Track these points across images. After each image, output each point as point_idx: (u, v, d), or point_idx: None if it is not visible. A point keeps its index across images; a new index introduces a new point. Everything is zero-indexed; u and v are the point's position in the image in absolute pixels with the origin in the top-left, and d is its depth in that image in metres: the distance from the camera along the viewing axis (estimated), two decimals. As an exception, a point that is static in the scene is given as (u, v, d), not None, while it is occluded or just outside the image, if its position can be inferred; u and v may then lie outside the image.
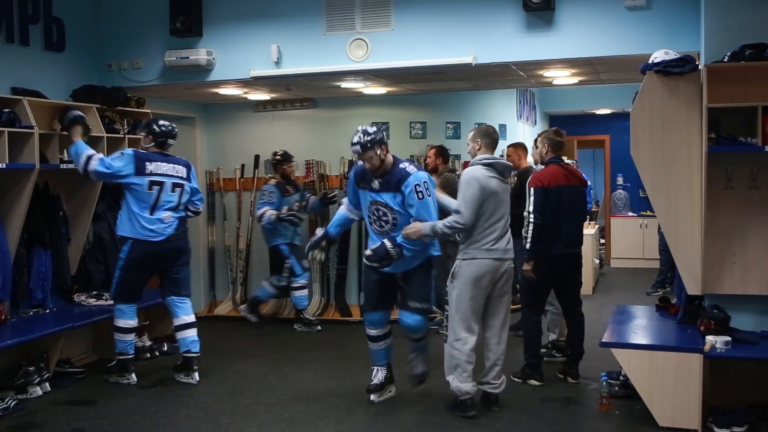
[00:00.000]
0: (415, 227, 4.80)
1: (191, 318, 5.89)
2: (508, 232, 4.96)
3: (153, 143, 5.74)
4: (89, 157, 5.47)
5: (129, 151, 5.65)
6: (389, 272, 5.05)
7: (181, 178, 5.77)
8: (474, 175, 4.82)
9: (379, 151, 4.88)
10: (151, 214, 5.59)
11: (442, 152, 7.33)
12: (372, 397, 5.25)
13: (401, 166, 4.97)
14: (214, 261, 8.75)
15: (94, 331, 6.44)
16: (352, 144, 4.91)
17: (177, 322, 5.87)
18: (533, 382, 5.55)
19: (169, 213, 5.67)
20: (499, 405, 5.01)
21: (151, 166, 5.59)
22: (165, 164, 5.68)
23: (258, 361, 6.45)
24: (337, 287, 8.29)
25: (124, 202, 5.65)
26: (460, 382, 4.84)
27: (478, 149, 4.98)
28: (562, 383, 5.60)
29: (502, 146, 8.52)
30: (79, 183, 6.30)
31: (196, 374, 5.80)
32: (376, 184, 5.00)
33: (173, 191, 5.70)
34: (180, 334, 5.87)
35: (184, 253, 5.88)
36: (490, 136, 4.99)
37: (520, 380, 5.56)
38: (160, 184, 5.62)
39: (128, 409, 5.19)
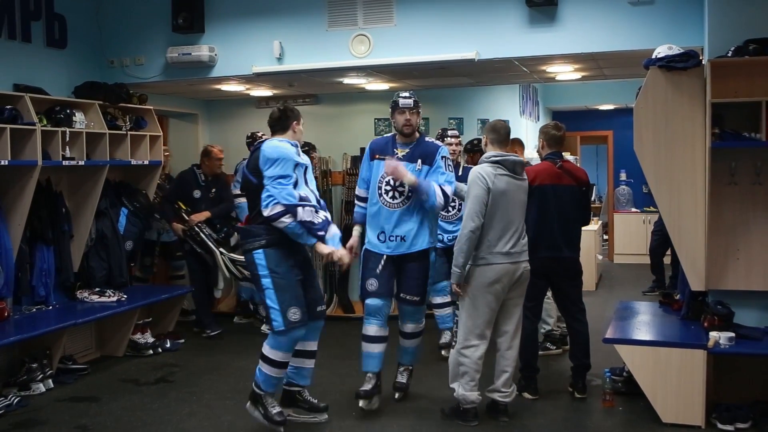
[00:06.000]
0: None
1: None
2: (524, 232, 4.71)
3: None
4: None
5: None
6: (390, 255, 4.89)
7: None
8: (478, 174, 4.57)
9: (419, 117, 5.00)
10: None
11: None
12: (361, 403, 4.97)
13: (427, 139, 5.05)
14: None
15: (96, 327, 6.43)
16: (404, 97, 4.91)
17: None
18: (527, 395, 5.18)
19: None
20: (509, 415, 4.76)
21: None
22: None
23: (261, 357, 6.42)
24: (340, 284, 8.27)
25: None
26: (466, 391, 4.60)
27: (485, 146, 4.81)
28: (563, 378, 5.55)
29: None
30: (82, 180, 6.31)
31: None
32: (399, 154, 4.94)
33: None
34: None
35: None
36: (496, 132, 4.72)
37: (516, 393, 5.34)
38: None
39: (131, 406, 5.20)
